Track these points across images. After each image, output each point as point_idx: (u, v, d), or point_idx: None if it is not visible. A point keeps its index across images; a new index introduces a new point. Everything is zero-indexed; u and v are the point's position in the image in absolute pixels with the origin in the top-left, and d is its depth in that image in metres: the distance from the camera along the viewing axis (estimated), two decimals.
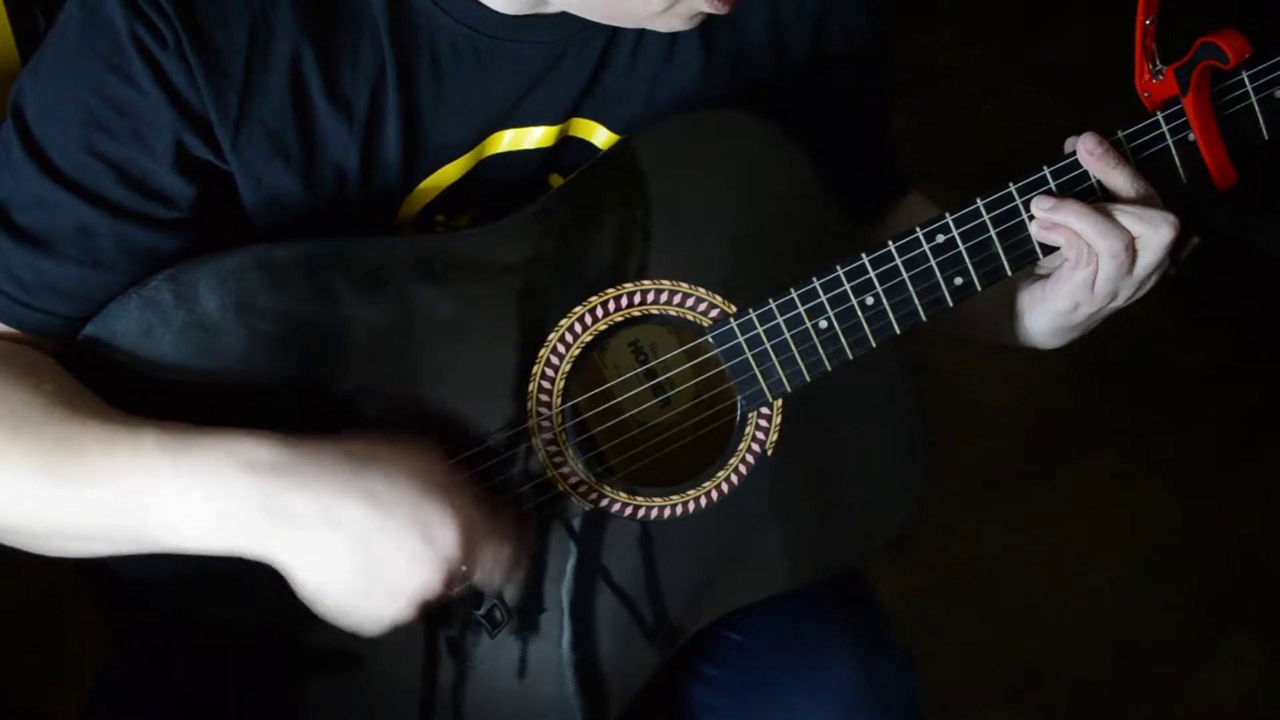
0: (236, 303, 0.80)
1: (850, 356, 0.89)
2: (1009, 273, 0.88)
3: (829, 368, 0.89)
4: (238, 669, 0.87)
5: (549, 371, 0.86)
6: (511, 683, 0.89)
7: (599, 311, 0.86)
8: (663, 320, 0.89)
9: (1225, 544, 2.03)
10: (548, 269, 0.85)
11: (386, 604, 0.75)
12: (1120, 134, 0.87)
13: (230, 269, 0.80)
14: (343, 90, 0.81)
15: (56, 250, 0.79)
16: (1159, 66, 0.85)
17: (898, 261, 0.87)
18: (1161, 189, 0.88)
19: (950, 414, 2.11)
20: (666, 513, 0.89)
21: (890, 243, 0.87)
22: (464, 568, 0.77)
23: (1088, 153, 0.85)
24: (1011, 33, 3.10)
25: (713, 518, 0.90)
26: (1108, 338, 1.01)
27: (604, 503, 0.88)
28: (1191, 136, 0.86)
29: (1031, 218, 0.86)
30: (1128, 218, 0.84)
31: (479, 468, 0.85)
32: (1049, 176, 0.87)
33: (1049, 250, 0.88)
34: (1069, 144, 0.87)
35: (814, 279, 0.87)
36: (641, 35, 0.87)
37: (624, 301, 0.87)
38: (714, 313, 0.88)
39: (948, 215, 0.87)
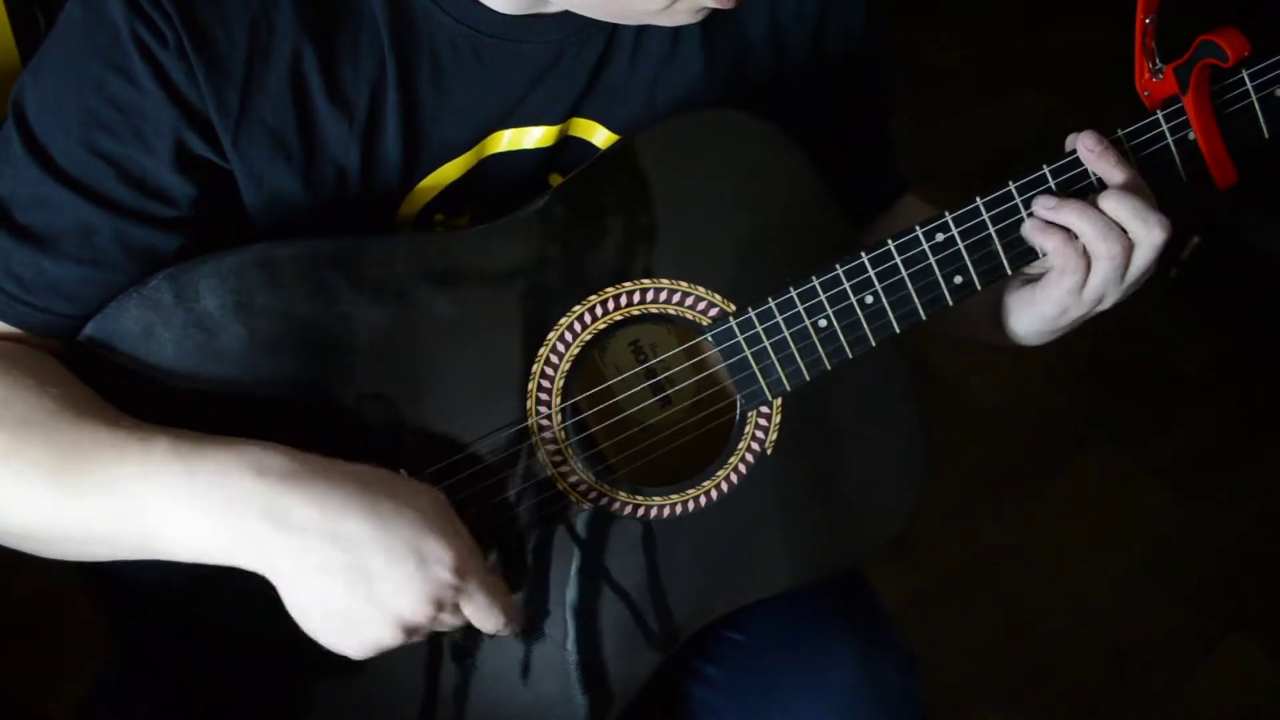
0: (236, 302, 0.80)
1: (849, 355, 0.89)
2: (1008, 272, 0.88)
3: (828, 367, 0.89)
4: (238, 669, 0.87)
5: (549, 370, 0.86)
6: (513, 682, 0.89)
7: (598, 310, 0.86)
8: (662, 319, 0.89)
9: (1225, 544, 2.03)
10: (547, 268, 0.85)
11: (373, 624, 0.74)
12: (1120, 133, 0.87)
13: (230, 268, 0.80)
14: (343, 89, 0.81)
15: (57, 249, 0.79)
16: (1159, 65, 0.85)
17: (897, 260, 0.87)
18: (1162, 188, 0.88)
19: (950, 414, 2.11)
20: (666, 512, 0.89)
21: (889, 241, 0.87)
22: (455, 600, 0.76)
23: (1088, 150, 0.85)
24: (1011, 33, 3.11)
25: (712, 517, 0.90)
26: (1108, 338, 1.02)
27: (603, 502, 0.88)
28: (1191, 135, 0.86)
29: (1030, 216, 0.86)
30: (1125, 214, 0.84)
31: (478, 467, 0.85)
32: (1048, 175, 0.87)
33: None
34: (1069, 141, 0.87)
35: (813, 278, 0.87)
36: (642, 35, 0.87)
37: (623, 300, 0.87)
38: (713, 312, 0.88)
39: (947, 214, 0.87)
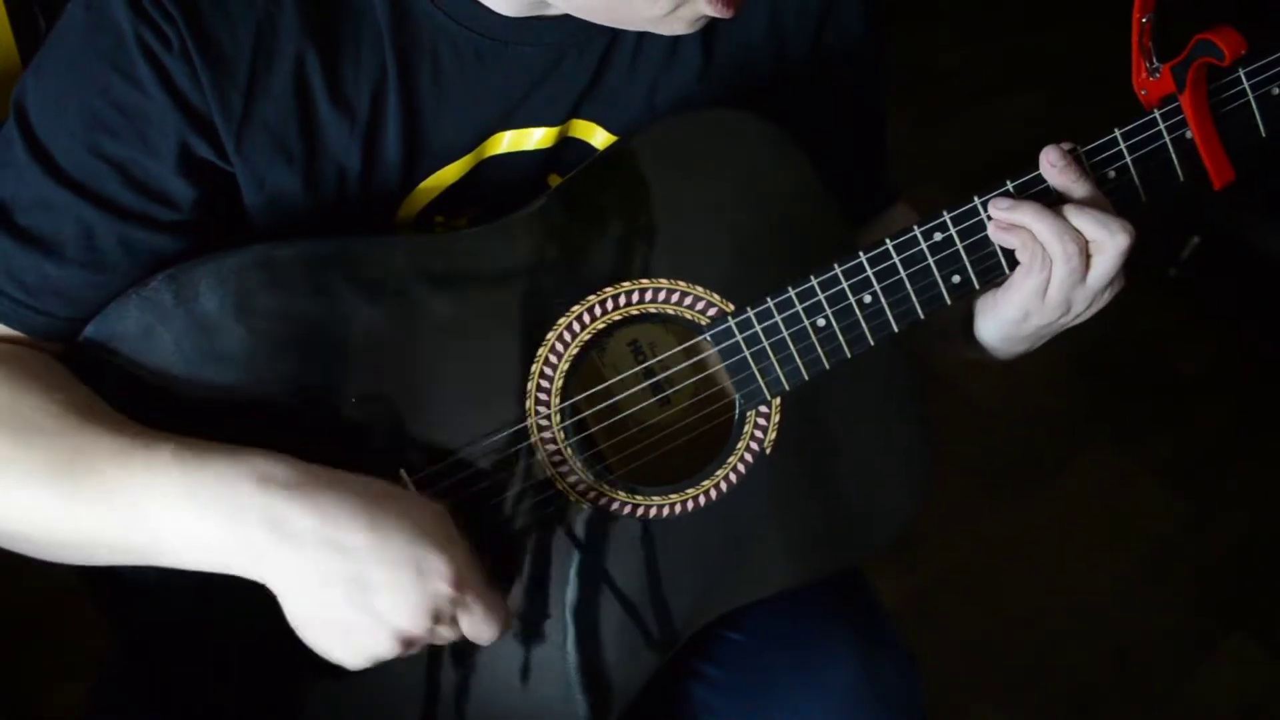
0: (236, 303, 0.80)
1: (848, 355, 0.89)
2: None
3: (827, 366, 0.89)
4: (238, 671, 0.87)
5: (547, 370, 0.86)
6: (513, 684, 0.89)
7: (597, 310, 0.86)
8: (661, 319, 0.89)
9: (1225, 544, 2.03)
10: (547, 268, 0.85)
11: (370, 635, 0.75)
12: (1117, 132, 0.87)
13: (230, 269, 0.80)
14: (345, 91, 0.81)
15: (60, 252, 0.79)
16: (1156, 64, 0.85)
17: (895, 260, 0.87)
18: (1159, 187, 0.88)
19: (950, 414, 2.11)
20: (665, 512, 0.89)
21: (888, 241, 0.87)
22: (452, 613, 0.77)
23: (1050, 165, 0.85)
24: (1011, 33, 3.11)
25: (712, 517, 0.90)
26: (1108, 338, 1.02)
27: (603, 502, 0.88)
28: (1189, 134, 0.86)
29: (990, 219, 0.87)
30: (1084, 221, 0.84)
31: (477, 467, 0.85)
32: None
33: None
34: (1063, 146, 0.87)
35: (811, 277, 0.87)
36: (642, 38, 0.87)
37: (622, 300, 0.87)
38: (712, 311, 0.88)
39: (945, 213, 0.87)
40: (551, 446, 0.87)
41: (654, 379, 0.92)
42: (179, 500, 0.73)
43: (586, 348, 0.87)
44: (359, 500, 0.74)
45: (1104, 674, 1.83)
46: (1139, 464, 2.14)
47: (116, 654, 0.96)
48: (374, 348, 0.82)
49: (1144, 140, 0.87)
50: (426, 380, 0.84)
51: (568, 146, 0.89)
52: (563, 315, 0.86)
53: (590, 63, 0.86)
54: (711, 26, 0.85)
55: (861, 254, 0.87)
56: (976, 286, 0.88)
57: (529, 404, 0.86)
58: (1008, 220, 0.86)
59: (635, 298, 0.87)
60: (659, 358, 0.92)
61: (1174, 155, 0.87)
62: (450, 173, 0.86)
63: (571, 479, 0.88)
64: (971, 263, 0.88)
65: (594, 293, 0.86)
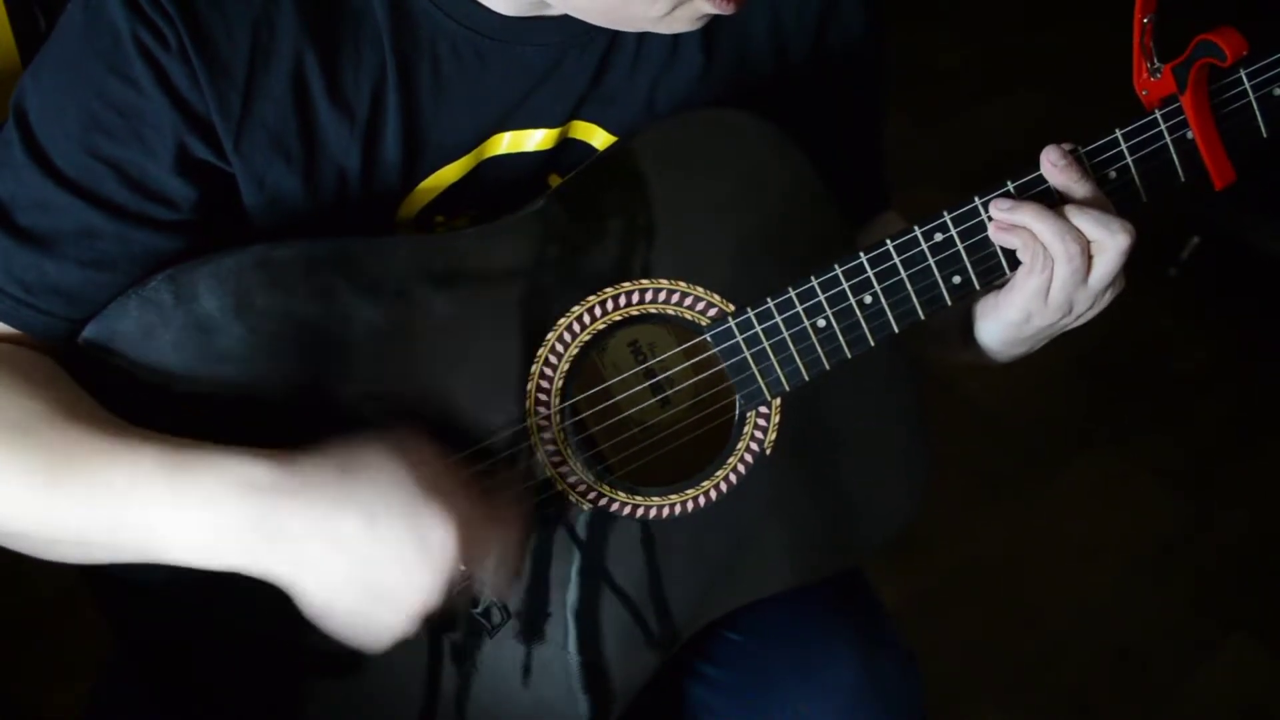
0: (236, 303, 0.80)
1: (848, 355, 0.89)
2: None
3: (827, 367, 0.89)
4: (239, 670, 0.87)
5: (547, 371, 0.86)
6: (514, 682, 0.89)
7: (597, 311, 0.86)
8: (661, 319, 0.89)
9: (1225, 544, 2.03)
10: (546, 268, 0.85)
11: (390, 618, 0.75)
12: (1119, 132, 0.87)
13: (230, 269, 0.80)
14: (344, 91, 0.81)
15: (59, 252, 0.79)
16: (1157, 65, 0.85)
17: (896, 260, 0.87)
18: (1160, 188, 0.88)
19: (950, 414, 2.11)
20: (665, 512, 0.89)
21: (888, 241, 0.87)
22: (464, 568, 0.76)
23: (1051, 164, 0.85)
24: (1011, 33, 3.11)
25: (712, 517, 0.90)
26: (1108, 338, 1.02)
27: (603, 502, 0.88)
28: (1190, 135, 0.86)
29: (990, 219, 0.86)
30: (1085, 221, 0.84)
31: (478, 468, 0.85)
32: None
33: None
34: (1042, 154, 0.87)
35: (812, 278, 0.87)
36: (642, 38, 0.87)
37: (622, 301, 0.87)
38: (712, 312, 0.88)
39: (945, 214, 0.87)
40: (551, 446, 0.87)
41: (654, 379, 0.92)
42: (164, 504, 0.73)
43: (587, 348, 0.87)
44: (341, 485, 0.74)
45: (1104, 674, 1.83)
46: (1139, 464, 2.14)
47: (116, 654, 0.96)
48: (373, 348, 0.82)
49: (1145, 140, 0.87)
50: (426, 380, 0.84)
51: (568, 147, 0.89)
52: (563, 316, 0.86)
53: (590, 63, 0.86)
54: (712, 27, 0.85)
55: (862, 254, 0.87)
56: (977, 287, 0.88)
57: (529, 404, 0.86)
58: (1008, 220, 0.85)
59: (635, 298, 0.87)
60: (659, 358, 0.92)
61: (1175, 155, 0.87)
62: (450, 173, 0.86)
63: (571, 479, 0.88)
64: (972, 263, 0.88)
65: (594, 293, 0.86)
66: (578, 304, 0.86)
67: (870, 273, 0.87)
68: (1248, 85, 0.86)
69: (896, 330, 0.89)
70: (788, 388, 0.89)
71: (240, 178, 0.81)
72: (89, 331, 0.80)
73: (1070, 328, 0.91)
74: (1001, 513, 2.03)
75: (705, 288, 0.87)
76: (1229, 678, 1.84)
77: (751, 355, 0.88)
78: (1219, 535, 2.04)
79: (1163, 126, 0.86)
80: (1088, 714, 1.79)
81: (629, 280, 0.86)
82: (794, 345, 0.88)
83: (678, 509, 0.90)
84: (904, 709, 0.96)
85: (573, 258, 0.85)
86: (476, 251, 0.84)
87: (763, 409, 0.90)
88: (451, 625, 0.87)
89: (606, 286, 0.86)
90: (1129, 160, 0.87)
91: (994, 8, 3.16)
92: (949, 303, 0.89)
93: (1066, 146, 0.86)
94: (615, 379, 0.91)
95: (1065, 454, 2.15)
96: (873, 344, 0.89)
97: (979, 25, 3.12)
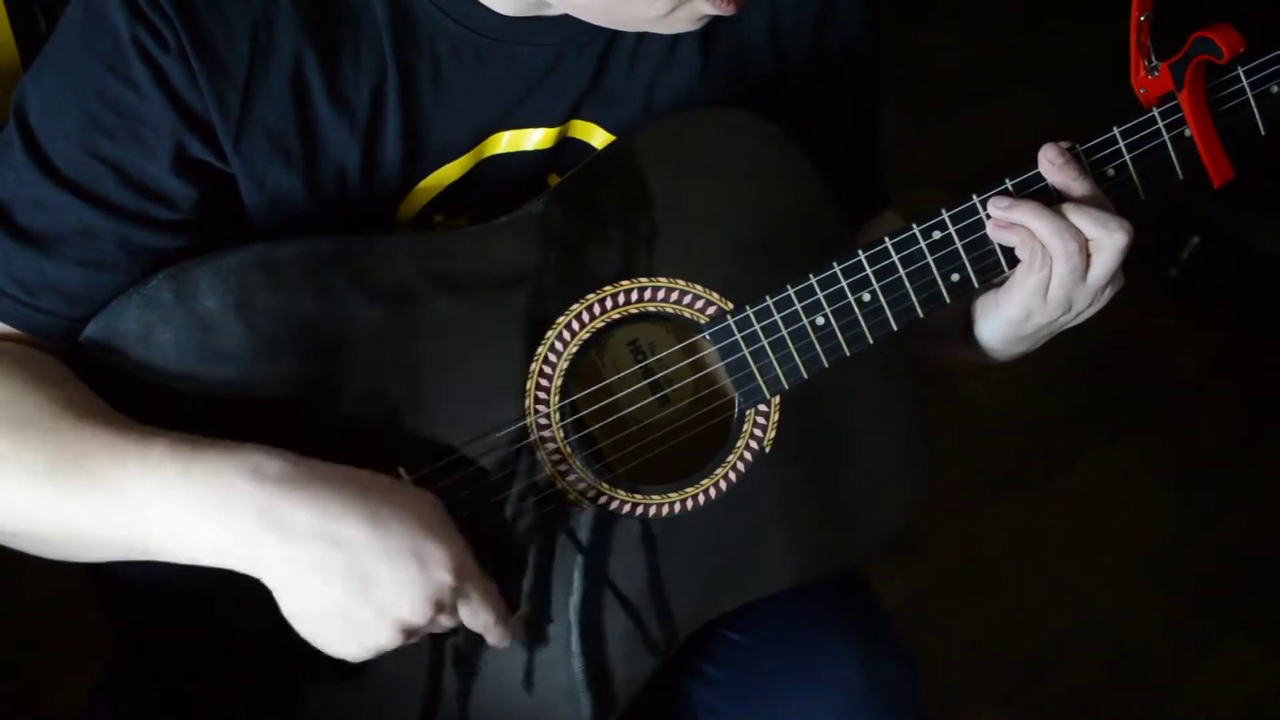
0: (237, 302, 0.80)
1: (847, 353, 0.89)
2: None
3: (826, 365, 0.89)
4: (240, 670, 0.87)
5: (547, 369, 0.86)
6: (515, 682, 0.89)
7: (596, 309, 0.86)
8: (660, 318, 0.89)
9: (1225, 544, 2.03)
10: (546, 267, 0.85)
11: (373, 628, 0.75)
12: (1116, 130, 0.87)
13: (230, 268, 0.80)
14: (344, 91, 0.81)
15: (59, 251, 0.79)
16: (1154, 62, 0.86)
17: (895, 258, 0.87)
18: (1158, 186, 0.88)
19: (950, 414, 2.11)
20: (664, 510, 0.89)
21: (887, 240, 0.87)
22: (453, 600, 0.77)
23: (1049, 162, 0.85)
24: (1011, 33, 3.11)
25: (711, 515, 0.90)
26: (1108, 338, 1.02)
27: (602, 500, 0.88)
28: (1188, 132, 0.86)
29: (989, 217, 0.87)
30: (1083, 219, 0.84)
31: (476, 466, 0.85)
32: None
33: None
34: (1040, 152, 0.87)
35: (811, 276, 0.87)
36: (641, 38, 0.87)
37: (621, 299, 0.87)
38: (711, 310, 0.88)
39: (944, 212, 0.87)
40: (551, 445, 0.87)
41: (653, 378, 0.92)
42: (173, 496, 0.73)
43: (585, 347, 0.87)
44: (355, 492, 0.75)
45: (1104, 674, 1.83)
46: (1139, 464, 2.14)
47: (116, 654, 0.96)
48: (373, 347, 0.82)
49: (1143, 138, 0.87)
50: (426, 379, 0.84)
51: (567, 147, 0.89)
52: (562, 314, 0.86)
53: (589, 63, 0.86)
54: (711, 26, 0.85)
55: (860, 252, 0.87)
56: (976, 285, 0.88)
57: (528, 403, 0.86)
58: (1006, 219, 0.86)
59: (634, 296, 0.87)
60: (658, 356, 0.92)
61: (1173, 153, 0.87)
62: (449, 172, 0.86)
63: (571, 478, 0.88)
64: (971, 261, 0.88)
65: (593, 291, 0.86)
66: (577, 302, 0.86)
67: (869, 271, 0.87)
68: (1245, 83, 0.86)
69: (895, 328, 0.89)
70: (787, 386, 0.89)
71: (240, 178, 0.81)
72: (90, 330, 0.80)
73: (1071, 325, 0.91)
74: (1001, 513, 2.03)
75: (704, 286, 0.87)
76: (1229, 678, 1.84)
77: (750, 353, 0.88)
78: (1219, 535, 2.04)
79: (1160, 124, 0.87)
80: (1088, 714, 1.79)
81: (628, 279, 0.87)
82: (793, 343, 0.88)
83: (677, 507, 0.90)
84: (904, 709, 0.96)
85: (571, 256, 0.85)
86: (476, 251, 0.84)
87: (762, 407, 0.90)
88: (437, 639, 0.87)
89: (605, 285, 0.86)
90: (1127, 158, 0.87)
91: (994, 8, 3.17)
92: (948, 301, 0.89)
93: (1064, 145, 0.86)
94: (614, 377, 0.91)
95: (1065, 454, 2.15)
96: (871, 342, 0.89)
97: (979, 25, 3.12)
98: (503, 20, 0.83)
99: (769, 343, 0.88)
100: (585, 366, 0.89)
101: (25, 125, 0.79)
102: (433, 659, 0.87)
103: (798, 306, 0.87)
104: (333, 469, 0.76)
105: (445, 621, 0.78)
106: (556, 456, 0.87)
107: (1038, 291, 0.86)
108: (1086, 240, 0.84)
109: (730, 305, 0.88)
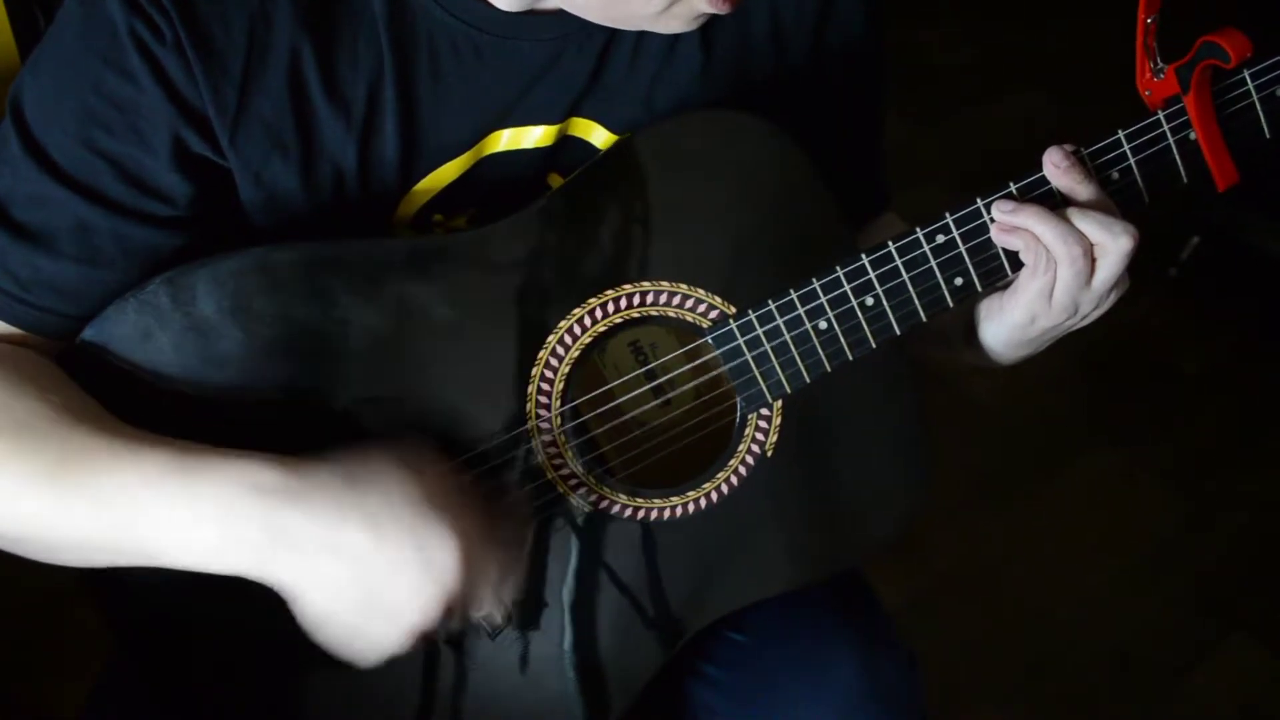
0: (234, 306, 0.79)
1: (850, 357, 0.89)
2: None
3: (828, 369, 0.89)
4: (239, 670, 0.87)
5: (548, 373, 0.86)
6: (513, 682, 0.89)
7: (599, 313, 0.86)
8: (662, 321, 0.89)
9: (1225, 544, 2.03)
10: (547, 270, 0.85)
11: (385, 632, 0.75)
12: (1121, 133, 0.87)
13: (228, 272, 0.79)
14: (341, 88, 0.81)
15: (55, 248, 0.78)
16: (1160, 65, 0.85)
17: (898, 262, 0.87)
18: (1162, 188, 0.88)
19: (950, 414, 2.11)
20: (666, 514, 0.89)
21: (890, 243, 0.86)
22: (462, 593, 0.76)
23: (1053, 165, 0.85)
24: (1011, 33, 3.11)
25: (713, 518, 0.90)
26: (1108, 338, 1.02)
27: (604, 504, 0.88)
28: (1193, 135, 0.86)
29: (992, 221, 0.86)
30: (1088, 224, 0.84)
31: (479, 470, 0.85)
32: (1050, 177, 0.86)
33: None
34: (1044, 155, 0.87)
35: (813, 280, 0.87)
36: (641, 35, 0.87)
37: (624, 303, 0.87)
38: (714, 314, 0.88)
39: (948, 215, 0.86)
40: (553, 449, 0.87)
41: (656, 381, 0.92)
42: (173, 508, 0.73)
43: (588, 350, 0.87)
44: (351, 495, 0.74)
45: (1104, 674, 1.83)
46: (1139, 464, 2.14)
47: (116, 654, 0.96)
48: (373, 351, 0.82)
49: (1148, 141, 0.87)
50: (426, 384, 0.83)
51: (567, 145, 0.89)
52: (564, 318, 0.86)
53: (589, 60, 0.86)
54: (711, 25, 0.84)
55: (864, 256, 0.87)
56: (979, 288, 0.88)
57: (530, 406, 0.86)
58: (1010, 223, 0.85)
59: (636, 300, 0.87)
60: (660, 360, 0.92)
61: (1178, 156, 0.87)
62: (449, 171, 0.86)
63: (572, 481, 0.87)
64: (974, 265, 0.87)
65: (594, 295, 0.86)
66: (579, 306, 0.86)
67: (872, 274, 0.87)
68: (1251, 86, 0.86)
69: (898, 332, 0.89)
70: (789, 390, 0.89)
71: (237, 173, 0.81)
72: (87, 334, 0.80)
73: (1076, 328, 0.90)
74: (1001, 513, 2.03)
75: (706, 289, 0.87)
76: (1229, 678, 1.84)
77: (753, 357, 0.88)
78: (1219, 535, 2.05)
79: (1166, 127, 0.86)
80: (1088, 714, 1.79)
81: (629, 282, 0.86)
82: (795, 347, 0.88)
83: (679, 511, 0.90)
84: (904, 709, 0.96)
85: (573, 260, 0.85)
86: (477, 252, 0.84)
87: (764, 411, 0.90)
88: (450, 633, 0.87)
89: (607, 289, 0.86)
90: (1131, 161, 0.87)
91: (994, 8, 3.16)
92: (951, 304, 0.88)
93: (1069, 148, 0.86)
94: (616, 381, 0.90)
95: (1065, 454, 2.15)
96: (874, 346, 0.89)
97: (979, 25, 3.12)
98: (502, 16, 0.82)
99: (771, 347, 0.88)
100: (587, 369, 0.89)
101: (21, 120, 0.78)
102: (430, 660, 0.87)
103: (800, 310, 0.87)
104: (330, 472, 0.75)
105: (456, 619, 0.77)
106: (558, 460, 0.87)
107: (1042, 295, 0.86)
108: (1091, 245, 0.84)
109: (733, 309, 0.88)
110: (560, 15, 0.83)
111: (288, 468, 0.74)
